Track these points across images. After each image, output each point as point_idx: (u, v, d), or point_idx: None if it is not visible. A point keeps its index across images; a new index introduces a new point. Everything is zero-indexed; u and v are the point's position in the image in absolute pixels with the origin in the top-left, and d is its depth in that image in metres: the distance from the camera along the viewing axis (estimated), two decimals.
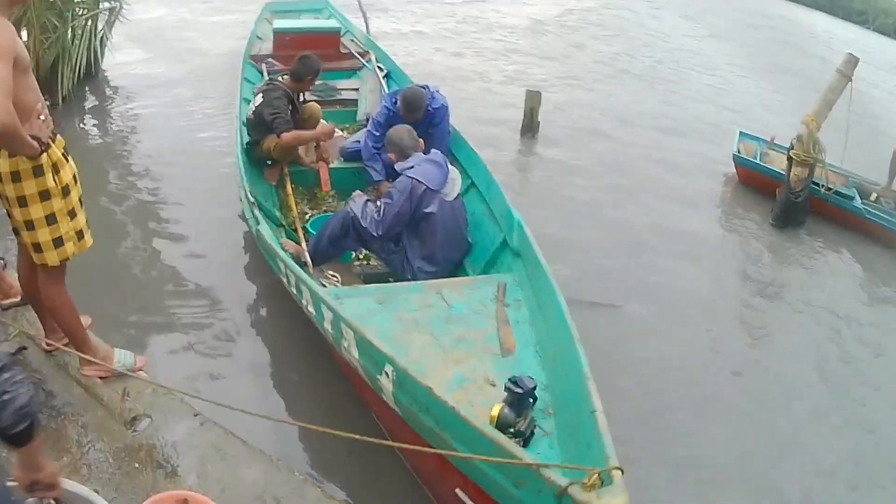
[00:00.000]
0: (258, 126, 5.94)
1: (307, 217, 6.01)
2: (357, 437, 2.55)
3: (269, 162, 6.20)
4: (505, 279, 4.37)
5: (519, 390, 3.09)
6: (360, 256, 5.55)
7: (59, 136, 3.42)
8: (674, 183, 8.21)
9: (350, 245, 5.10)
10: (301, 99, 6.29)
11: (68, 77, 8.86)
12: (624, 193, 7.75)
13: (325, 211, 6.15)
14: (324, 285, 4.89)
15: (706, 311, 5.99)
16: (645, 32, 15.47)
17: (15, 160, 3.15)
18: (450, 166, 5.02)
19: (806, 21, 21.12)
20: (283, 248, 5.18)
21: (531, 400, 3.18)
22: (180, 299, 5.41)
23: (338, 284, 4.96)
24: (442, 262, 4.97)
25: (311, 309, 3.95)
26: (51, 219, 3.34)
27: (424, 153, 5.02)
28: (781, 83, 13.31)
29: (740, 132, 8.77)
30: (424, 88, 6.05)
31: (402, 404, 3.16)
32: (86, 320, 4.29)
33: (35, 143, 3.10)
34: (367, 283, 5.18)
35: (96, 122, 9.04)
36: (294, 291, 4.24)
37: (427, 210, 4.73)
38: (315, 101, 7.23)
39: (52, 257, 3.42)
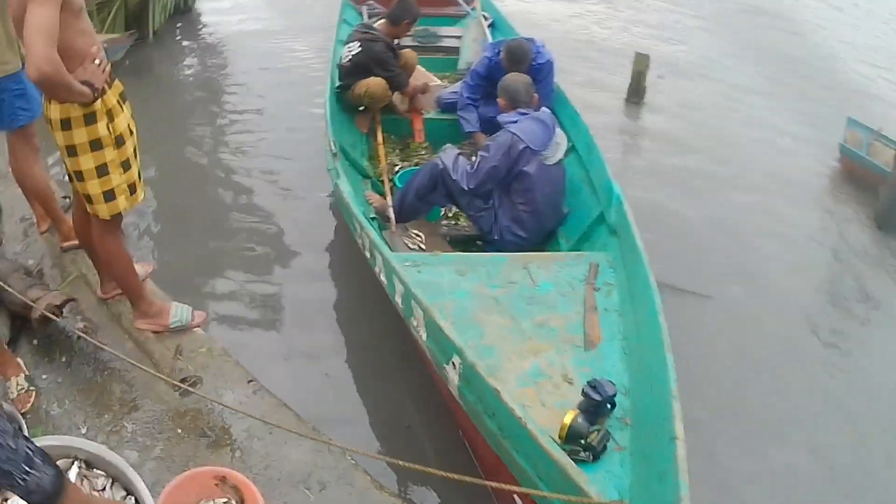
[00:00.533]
0: (354, 73, 5.68)
1: (396, 169, 5.74)
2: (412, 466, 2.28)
3: (360, 108, 5.95)
4: (598, 258, 4.01)
5: (597, 397, 2.76)
6: (449, 214, 5.29)
7: (116, 80, 3.21)
8: (777, 166, 7.57)
9: (438, 200, 4.83)
10: (396, 44, 5.98)
11: (160, 12, 8.79)
12: (724, 172, 7.18)
13: (417, 164, 5.86)
14: (406, 245, 4.65)
15: (796, 310, 5.48)
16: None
17: (66, 107, 2.95)
18: (557, 129, 4.66)
19: None
20: (366, 201, 4.97)
21: (609, 406, 2.86)
22: (253, 254, 5.26)
23: (421, 245, 4.69)
24: (533, 229, 4.66)
25: (383, 278, 3.68)
26: (102, 170, 3.14)
27: (535, 110, 4.68)
28: None
29: (848, 118, 7.99)
30: (530, 41, 5.67)
31: (468, 401, 2.88)
32: (146, 267, 4.20)
33: (86, 90, 2.88)
34: (452, 245, 4.93)
35: (187, 57, 9.02)
36: (368, 256, 3.96)
37: (523, 169, 4.42)
38: (414, 47, 6.94)
39: (102, 210, 3.24)
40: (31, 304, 3.35)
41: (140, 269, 4.12)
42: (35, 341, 3.68)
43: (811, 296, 5.74)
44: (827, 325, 5.38)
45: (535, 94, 4.73)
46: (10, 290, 3.36)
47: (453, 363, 2.83)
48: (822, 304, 5.74)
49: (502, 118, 4.57)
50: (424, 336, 3.09)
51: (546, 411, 2.93)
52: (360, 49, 5.64)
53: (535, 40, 5.73)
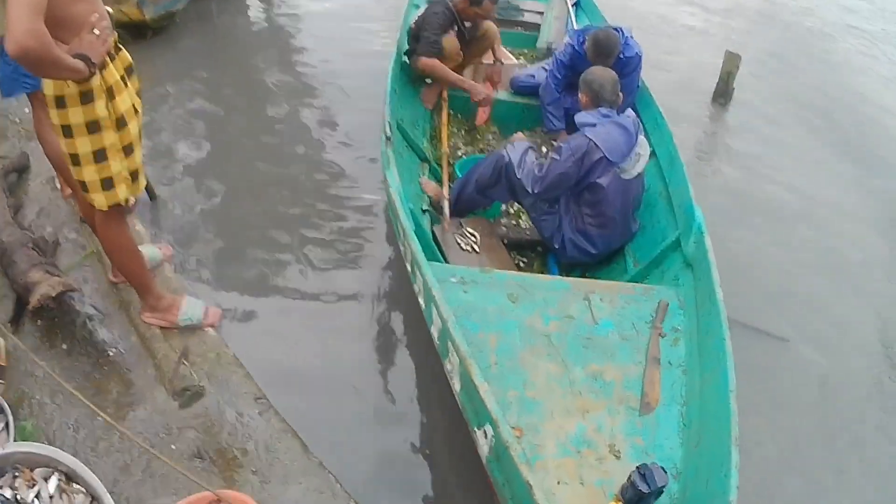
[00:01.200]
0: (419, 37, 5.24)
1: (459, 154, 5.32)
2: None
3: (428, 80, 5.47)
4: (668, 296, 3.55)
5: (646, 489, 2.31)
6: (511, 211, 4.87)
7: (123, 52, 2.82)
8: (873, 189, 6.90)
9: (500, 195, 4.41)
10: (468, 26, 5.40)
11: None
12: (809, 198, 6.53)
13: (482, 150, 5.44)
14: (459, 244, 4.23)
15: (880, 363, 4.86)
16: None
17: (60, 83, 2.56)
18: (640, 136, 4.16)
19: None
20: (421, 189, 4.56)
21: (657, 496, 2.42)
22: (292, 247, 4.73)
23: (475, 246, 4.26)
24: (599, 244, 4.22)
25: (421, 301, 3.20)
26: (100, 155, 2.76)
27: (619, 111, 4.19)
28: None
29: None
30: (618, 31, 5.15)
31: (495, 477, 2.45)
32: (165, 251, 3.92)
33: (80, 65, 2.46)
34: (509, 248, 4.51)
35: (246, 11, 8.50)
36: (409, 270, 3.47)
37: (597, 181, 3.97)
38: (493, 19, 6.44)
39: (99, 200, 2.88)
40: (27, 289, 3.01)
41: (156, 252, 3.85)
42: (39, 321, 3.38)
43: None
44: None
45: (621, 94, 4.23)
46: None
47: (485, 432, 2.41)
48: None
49: (581, 118, 4.08)
50: (458, 387, 2.67)
51: (584, 491, 2.54)
52: (424, 11, 5.21)
53: (622, 30, 5.21)
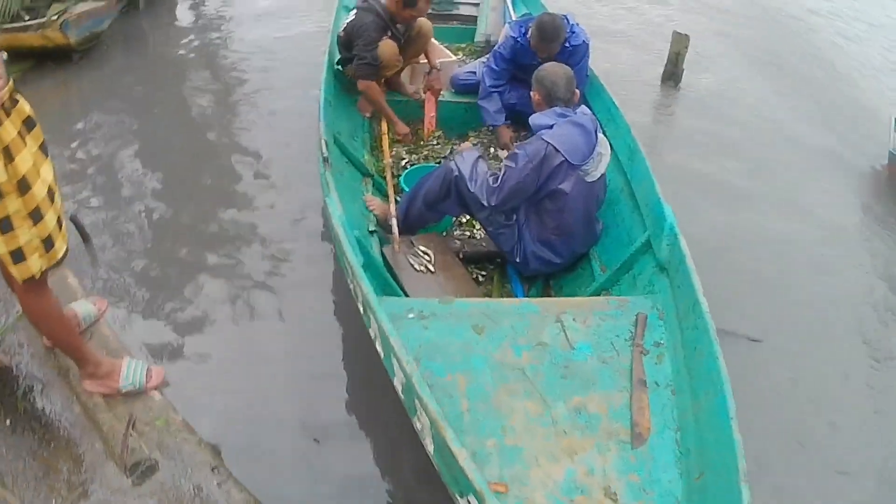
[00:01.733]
0: (348, 46, 4.89)
1: (404, 164, 5.01)
2: None
3: (375, 77, 5.12)
4: (645, 307, 3.28)
5: None
6: (463, 221, 4.57)
7: (20, 102, 2.43)
8: (821, 167, 6.74)
9: (451, 209, 4.10)
10: (401, 29, 5.06)
11: None
12: (763, 176, 6.32)
13: (427, 157, 5.13)
14: (412, 265, 3.92)
15: (851, 337, 4.75)
16: None
17: None
18: (599, 134, 3.87)
19: None
20: (366, 208, 4.25)
21: None
22: (236, 282, 4.40)
23: (430, 266, 3.95)
24: (564, 253, 3.95)
25: (379, 348, 2.86)
26: (4, 225, 2.38)
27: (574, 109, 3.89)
28: None
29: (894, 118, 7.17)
30: (563, 19, 4.89)
31: None
32: (99, 305, 3.58)
33: None
34: (467, 263, 4.20)
35: (182, 26, 8.29)
36: (361, 311, 3.13)
37: (558, 187, 3.67)
38: (427, 15, 6.12)
39: (13, 272, 2.52)
40: None
41: (90, 308, 3.51)
42: None
43: (861, 317, 4.97)
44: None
45: (577, 91, 3.94)
46: None
47: (468, 501, 2.10)
48: (873, 323, 4.96)
49: (536, 120, 3.78)
50: (431, 448, 2.35)
51: None
52: (354, 18, 4.84)
53: (568, 17, 4.96)
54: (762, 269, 5.14)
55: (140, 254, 4.54)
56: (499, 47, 5.16)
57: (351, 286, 3.17)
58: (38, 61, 6.87)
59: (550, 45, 4.75)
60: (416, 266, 3.93)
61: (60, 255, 2.66)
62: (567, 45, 4.84)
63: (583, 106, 3.97)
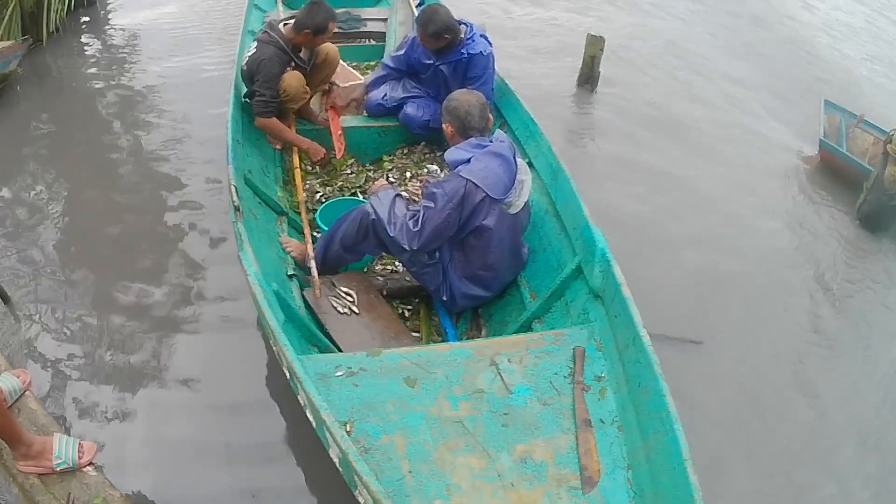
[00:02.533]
0: (252, 79, 4.72)
1: (318, 197, 4.86)
2: None
3: (274, 113, 4.93)
4: (581, 339, 3.21)
5: None
6: (383, 255, 4.41)
7: None
8: (745, 157, 6.89)
9: (369, 250, 3.95)
10: (309, 59, 4.93)
11: (56, 8, 7.84)
12: (688, 172, 6.42)
13: (342, 189, 4.98)
14: (335, 308, 3.79)
15: (789, 329, 4.88)
16: None
17: None
18: (519, 160, 3.76)
19: None
20: (283, 250, 4.11)
21: None
22: (161, 336, 4.27)
23: (353, 308, 3.82)
24: (492, 285, 3.87)
25: (310, 416, 2.72)
26: None
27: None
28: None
29: (826, 102, 7.40)
30: (464, 24, 4.86)
31: None
32: (23, 377, 3.44)
33: None
34: (391, 298, 4.10)
35: (89, 59, 7.97)
36: (286, 375, 3.00)
37: (482, 223, 3.55)
38: (335, 35, 5.97)
39: None
40: None
41: (14, 382, 3.36)
42: None
43: (797, 308, 5.13)
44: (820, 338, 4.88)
45: (490, 116, 3.84)
46: None
47: None
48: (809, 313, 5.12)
49: (451, 155, 3.66)
50: None
51: None
52: (254, 52, 4.67)
53: (471, 25, 4.92)
54: (694, 266, 5.21)
55: (64, 310, 4.38)
56: (396, 48, 5.30)
57: (274, 349, 3.03)
58: None
59: (426, 30, 4.67)
60: (340, 308, 3.81)
61: None
62: (464, 52, 4.78)
63: (498, 131, 3.84)
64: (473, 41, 4.81)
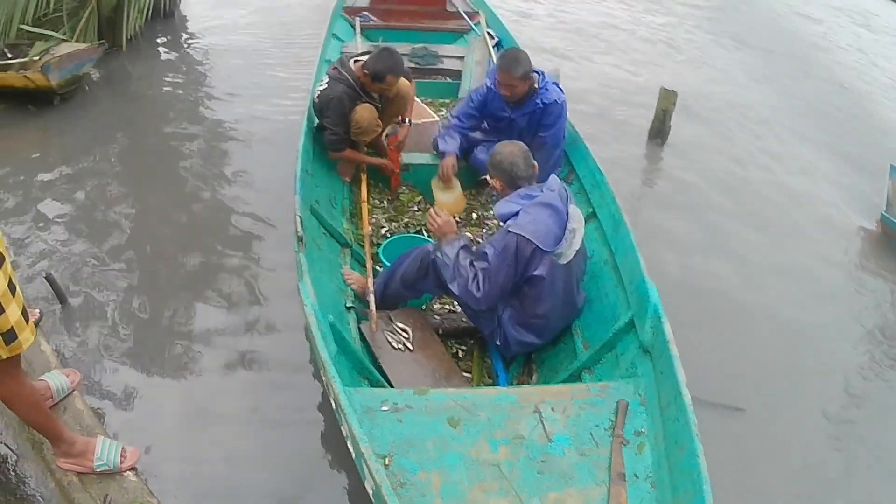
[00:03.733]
0: (323, 112, 4.98)
1: (384, 232, 5.06)
2: None
3: (345, 149, 5.16)
4: (626, 393, 3.32)
5: None
6: (442, 297, 4.57)
7: None
8: (805, 223, 6.85)
9: (428, 288, 4.13)
10: (377, 98, 5.12)
11: (134, 17, 8.30)
12: (748, 235, 6.42)
13: (407, 225, 5.17)
14: (390, 343, 3.96)
15: (838, 403, 4.83)
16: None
17: None
18: (570, 206, 3.87)
19: None
20: (344, 281, 4.29)
21: None
22: (215, 348, 4.44)
23: (408, 344, 3.99)
24: (545, 333, 3.99)
25: (350, 448, 2.85)
26: None
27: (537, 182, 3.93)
28: None
29: (892, 166, 7.13)
30: (538, 73, 5.01)
31: None
32: (72, 377, 3.62)
33: None
34: (446, 338, 4.25)
35: (164, 70, 8.40)
36: (332, 406, 3.16)
37: (534, 274, 3.68)
38: (411, 69, 6.20)
39: None
40: None
41: (63, 380, 3.56)
42: None
43: (849, 381, 5.05)
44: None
45: (535, 163, 3.96)
46: None
47: None
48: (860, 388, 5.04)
49: (500, 209, 3.81)
50: None
51: None
52: (326, 87, 4.93)
53: (544, 73, 5.07)
54: (747, 333, 5.20)
55: (118, 315, 4.55)
56: (474, 91, 5.32)
57: (324, 379, 3.21)
58: (17, 102, 6.98)
59: (515, 72, 4.80)
60: (394, 343, 3.97)
61: (26, 346, 2.72)
62: (538, 102, 4.94)
63: (552, 178, 3.96)
64: (547, 90, 4.97)
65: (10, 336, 2.61)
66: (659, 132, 7.54)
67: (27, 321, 2.72)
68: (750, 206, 6.84)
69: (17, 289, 2.68)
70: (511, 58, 4.87)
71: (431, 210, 4.18)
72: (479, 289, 3.71)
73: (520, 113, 5.01)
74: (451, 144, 5.23)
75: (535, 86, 4.96)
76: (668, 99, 7.39)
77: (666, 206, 6.63)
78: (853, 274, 6.28)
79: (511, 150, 3.89)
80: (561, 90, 5.06)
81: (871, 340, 5.42)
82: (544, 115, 4.97)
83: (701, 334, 4.92)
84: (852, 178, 7.78)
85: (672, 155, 7.51)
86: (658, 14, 12.43)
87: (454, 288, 3.79)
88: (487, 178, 4.03)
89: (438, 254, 3.90)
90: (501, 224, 3.82)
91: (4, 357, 2.65)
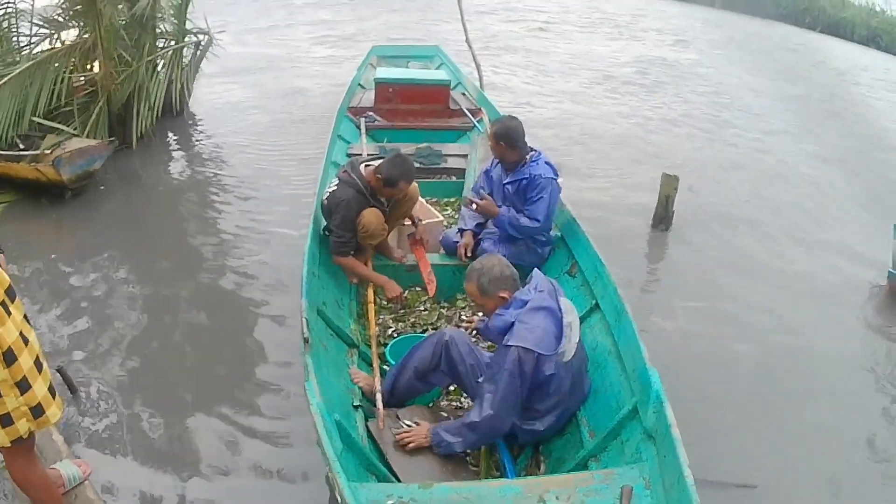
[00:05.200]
0: (332, 213, 5.16)
1: (390, 332, 5.18)
2: None
3: (350, 252, 5.32)
4: (631, 477, 3.40)
5: None
6: (451, 390, 4.67)
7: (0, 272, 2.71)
8: (816, 295, 6.96)
9: (439, 379, 4.24)
10: (384, 203, 5.31)
11: (144, 116, 8.57)
12: (758, 315, 6.49)
13: (414, 324, 5.29)
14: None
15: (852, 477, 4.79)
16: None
17: None
18: (562, 300, 3.98)
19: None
20: (352, 380, 4.41)
21: None
22: (225, 440, 4.60)
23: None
24: (553, 423, 4.07)
25: None
26: None
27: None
28: None
29: (895, 226, 7.29)
30: (533, 151, 5.38)
31: None
32: (84, 468, 3.80)
33: None
34: None
35: (170, 168, 8.78)
36: (338, 499, 3.18)
37: (541, 376, 3.79)
38: (417, 167, 6.40)
39: (0, 437, 2.75)
40: None
41: (75, 470, 3.71)
42: None
43: (861, 456, 5.03)
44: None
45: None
46: None
47: None
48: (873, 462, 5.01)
49: (495, 323, 3.89)
50: None
51: None
52: (335, 189, 5.12)
53: (539, 152, 5.40)
54: (758, 405, 5.27)
55: (129, 406, 4.72)
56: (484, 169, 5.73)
57: (329, 475, 3.30)
58: (30, 194, 7.25)
59: (502, 143, 5.23)
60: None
61: (54, 420, 2.92)
62: (526, 173, 5.27)
63: (535, 273, 4.11)
64: (537, 163, 5.29)
65: (38, 411, 2.79)
66: (662, 218, 7.67)
67: (54, 396, 2.88)
68: (757, 284, 6.96)
69: (44, 366, 2.85)
70: (507, 126, 5.26)
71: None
72: (492, 406, 3.74)
73: (510, 180, 5.35)
74: (470, 223, 5.57)
75: (527, 158, 5.30)
76: (669, 184, 7.54)
77: (670, 292, 6.75)
78: (864, 336, 6.40)
79: (490, 261, 4.04)
80: (553, 170, 5.33)
81: (885, 402, 5.47)
82: (529, 187, 5.26)
83: (711, 415, 4.98)
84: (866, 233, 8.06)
85: (675, 240, 7.68)
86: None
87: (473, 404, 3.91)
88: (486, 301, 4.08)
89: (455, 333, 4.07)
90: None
91: (33, 430, 2.80)
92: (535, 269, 4.20)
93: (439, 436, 3.87)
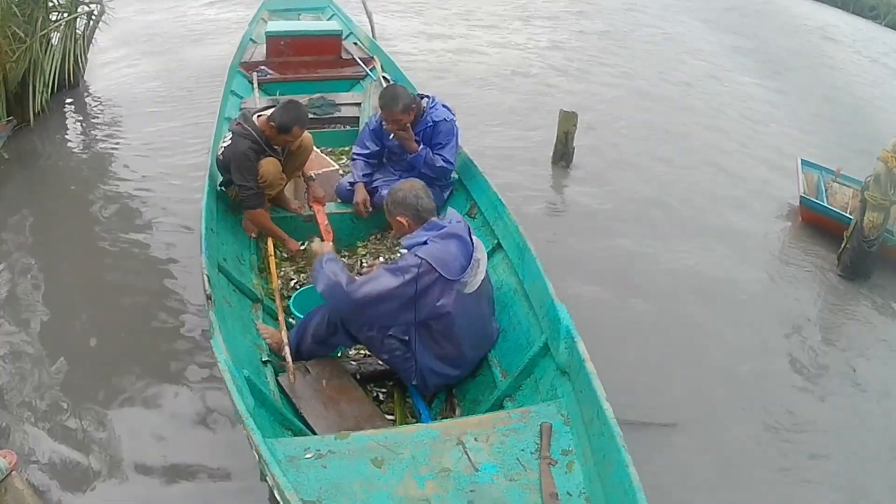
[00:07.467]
0: (229, 168, 4.96)
1: (293, 284, 5.06)
2: None
3: (264, 204, 5.11)
4: (549, 414, 3.38)
5: None
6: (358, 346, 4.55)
7: None
8: (724, 221, 7.20)
9: (340, 342, 4.16)
10: (283, 147, 5.12)
11: (41, 91, 8.29)
12: (667, 240, 6.68)
13: None
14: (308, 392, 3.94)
15: (768, 407, 4.96)
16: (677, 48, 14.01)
17: None
18: (475, 238, 3.94)
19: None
20: (258, 334, 4.27)
21: None
22: (143, 419, 4.45)
23: (327, 391, 3.97)
24: (462, 365, 4.03)
25: (277, 497, 2.82)
26: None
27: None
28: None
29: (801, 160, 7.71)
30: (426, 98, 5.29)
31: None
32: (8, 458, 3.51)
33: None
34: (365, 382, 4.25)
35: (70, 141, 8.37)
36: (256, 459, 3.15)
37: (440, 308, 3.70)
38: (311, 118, 6.24)
39: None
40: None
41: (1, 462, 3.42)
42: None
43: (777, 383, 5.23)
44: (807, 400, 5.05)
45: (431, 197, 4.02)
46: None
47: None
48: (792, 382, 5.25)
49: (408, 241, 3.84)
50: None
51: None
52: (230, 143, 4.91)
53: (432, 97, 5.33)
54: (671, 344, 5.36)
55: (44, 394, 4.52)
56: (367, 121, 5.67)
57: (244, 433, 3.18)
58: None
59: (391, 110, 5.06)
60: (314, 393, 3.96)
61: None
62: (428, 120, 5.18)
63: (450, 211, 4.10)
64: (436, 109, 5.22)
65: None
66: (562, 155, 7.71)
67: None
68: (661, 218, 7.06)
69: None
70: (389, 96, 5.09)
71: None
72: (349, 282, 3.67)
73: (416, 131, 5.23)
74: (358, 174, 5.45)
75: (424, 106, 5.23)
76: (568, 121, 7.58)
77: (571, 231, 6.80)
78: (777, 267, 6.62)
79: (411, 185, 3.98)
80: (449, 110, 5.30)
81: (800, 334, 5.68)
82: (434, 133, 5.19)
83: (622, 354, 5.02)
84: (771, 174, 8.27)
85: (577, 178, 7.73)
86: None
87: (319, 286, 3.75)
88: (391, 219, 4.04)
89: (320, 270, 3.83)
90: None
91: None
92: (450, 207, 4.12)
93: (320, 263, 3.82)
